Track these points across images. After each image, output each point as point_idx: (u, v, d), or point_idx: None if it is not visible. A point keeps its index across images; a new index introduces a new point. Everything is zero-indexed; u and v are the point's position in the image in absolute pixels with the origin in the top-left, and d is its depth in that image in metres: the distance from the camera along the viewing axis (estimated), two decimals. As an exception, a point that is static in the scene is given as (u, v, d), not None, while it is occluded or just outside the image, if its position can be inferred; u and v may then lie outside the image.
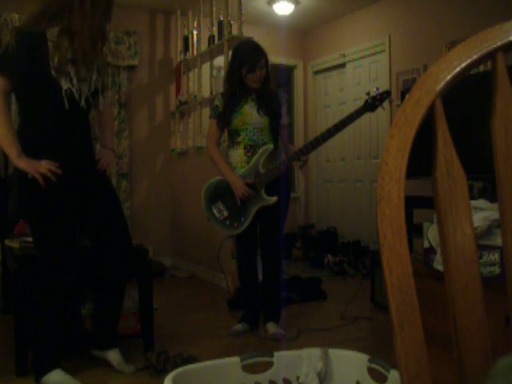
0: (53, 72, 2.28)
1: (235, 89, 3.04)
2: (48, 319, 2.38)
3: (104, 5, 2.34)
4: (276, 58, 6.07)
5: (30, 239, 2.54)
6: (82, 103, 2.39)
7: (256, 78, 2.99)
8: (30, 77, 2.30)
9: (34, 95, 2.34)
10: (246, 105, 3.07)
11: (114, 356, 2.55)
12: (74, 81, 2.33)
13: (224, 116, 3.08)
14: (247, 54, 2.98)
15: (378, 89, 3.02)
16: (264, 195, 3.01)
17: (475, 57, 0.65)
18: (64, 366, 2.41)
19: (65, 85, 2.31)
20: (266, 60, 3.03)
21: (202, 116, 4.83)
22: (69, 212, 2.41)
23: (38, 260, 2.42)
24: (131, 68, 5.42)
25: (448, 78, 0.64)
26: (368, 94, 2.97)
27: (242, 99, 3.07)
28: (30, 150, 2.30)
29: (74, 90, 2.33)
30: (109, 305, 2.57)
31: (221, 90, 3.34)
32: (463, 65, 0.65)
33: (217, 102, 3.15)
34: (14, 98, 2.42)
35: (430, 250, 2.23)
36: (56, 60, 2.27)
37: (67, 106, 2.32)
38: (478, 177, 3.24)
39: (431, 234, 2.22)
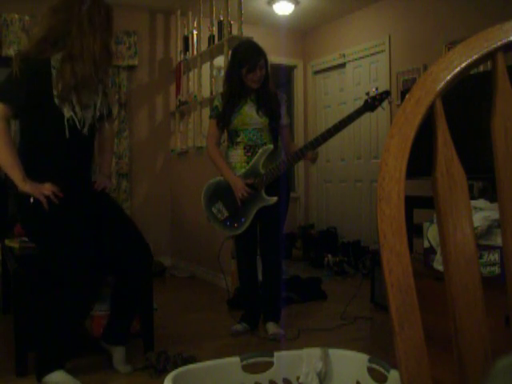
0: (56, 100, 2.28)
1: (235, 89, 3.04)
2: (62, 323, 2.38)
3: (103, 21, 2.32)
4: (276, 58, 6.07)
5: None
6: (85, 131, 2.39)
7: (256, 78, 2.99)
8: (33, 104, 2.29)
9: (36, 122, 2.34)
10: (246, 105, 3.07)
11: (117, 353, 2.56)
12: (77, 109, 2.33)
13: (224, 116, 3.08)
14: (247, 54, 2.98)
15: (377, 89, 3.03)
16: (264, 195, 3.01)
17: (475, 57, 0.65)
18: (67, 367, 2.41)
19: (67, 113, 2.31)
20: (266, 60, 3.03)
21: (202, 116, 4.83)
22: (72, 227, 2.39)
23: (55, 268, 2.42)
24: (131, 68, 5.42)
25: (448, 78, 0.64)
26: (367, 94, 2.98)
27: (241, 100, 3.07)
28: (29, 172, 2.30)
29: (76, 118, 2.33)
30: (127, 304, 2.57)
31: (221, 90, 3.34)
32: (463, 65, 0.65)
33: (216, 103, 3.15)
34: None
35: (430, 250, 2.23)
36: (60, 87, 2.26)
37: (68, 135, 2.32)
38: (478, 177, 3.24)
39: (431, 234, 2.22)
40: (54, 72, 2.27)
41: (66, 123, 2.31)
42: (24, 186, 2.26)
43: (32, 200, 2.28)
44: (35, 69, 2.26)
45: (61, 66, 2.26)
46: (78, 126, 2.35)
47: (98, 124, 2.49)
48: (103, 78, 2.44)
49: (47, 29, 2.30)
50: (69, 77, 2.25)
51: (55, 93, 2.27)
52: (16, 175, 2.26)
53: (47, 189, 2.28)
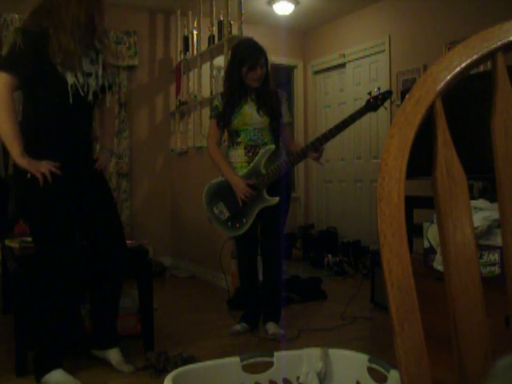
0: (59, 67, 2.30)
1: (234, 88, 3.03)
2: (51, 318, 2.39)
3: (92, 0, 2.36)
4: (276, 58, 6.06)
5: (30, 239, 2.54)
6: (90, 97, 2.41)
7: (256, 77, 2.99)
8: (37, 73, 2.31)
9: (40, 90, 2.35)
10: (246, 105, 3.06)
11: (113, 355, 2.56)
12: (79, 75, 2.35)
13: (224, 116, 3.07)
14: (247, 53, 2.98)
15: (379, 88, 3.02)
16: (266, 196, 3.00)
17: (475, 57, 0.65)
18: (64, 366, 2.41)
19: (70, 79, 2.33)
20: (266, 59, 3.03)
21: (202, 116, 4.83)
22: (67, 211, 2.41)
23: (38, 259, 2.42)
24: (131, 68, 5.41)
25: (448, 77, 0.64)
26: (370, 93, 2.96)
27: (241, 99, 3.06)
28: (30, 146, 2.31)
29: (79, 85, 2.35)
30: (106, 304, 2.58)
31: (221, 89, 3.34)
32: (463, 65, 0.65)
33: (216, 103, 3.15)
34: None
35: (430, 250, 2.23)
36: (58, 56, 2.29)
37: (71, 101, 2.34)
38: (478, 177, 3.24)
39: (431, 234, 2.22)
40: (51, 42, 2.30)
41: (69, 89, 2.33)
42: (22, 160, 2.27)
43: (29, 176, 2.29)
44: (36, 40, 2.29)
45: (53, 36, 2.30)
46: (81, 93, 2.37)
47: (100, 94, 2.49)
48: (102, 49, 2.48)
49: (40, 2, 2.34)
50: (57, 48, 2.28)
51: (55, 61, 2.29)
52: (15, 149, 2.26)
53: (44, 166, 2.29)
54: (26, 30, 2.31)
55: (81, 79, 2.36)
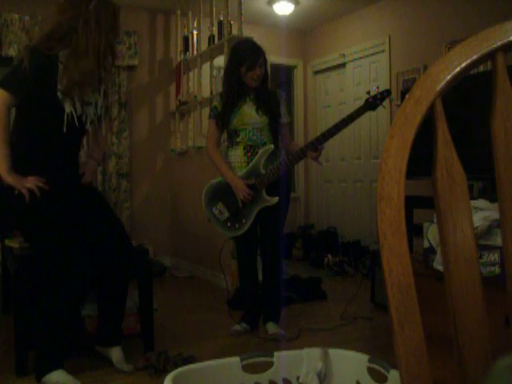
0: (59, 94, 2.31)
1: (233, 88, 3.04)
2: (54, 320, 2.39)
3: (109, 21, 2.37)
4: (276, 57, 6.07)
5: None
6: (88, 126, 2.45)
7: (255, 77, 2.99)
8: (36, 96, 2.32)
9: (36, 113, 2.36)
10: (245, 105, 3.06)
11: (115, 353, 2.56)
12: (77, 105, 2.37)
13: (223, 116, 3.07)
14: (246, 53, 2.98)
15: (378, 87, 3.02)
16: (265, 196, 3.00)
17: (475, 57, 0.65)
18: (65, 366, 2.41)
19: (68, 108, 2.34)
20: (265, 58, 3.03)
21: (202, 116, 4.83)
22: (63, 217, 2.41)
23: (46, 264, 2.43)
24: (131, 68, 5.41)
25: (448, 77, 0.64)
26: (368, 92, 2.96)
27: (240, 99, 3.07)
28: (18, 163, 2.32)
29: (75, 114, 2.37)
30: (111, 303, 2.59)
31: (221, 89, 3.34)
32: (463, 65, 0.65)
33: (215, 103, 3.15)
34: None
35: (430, 250, 2.23)
36: (64, 82, 2.30)
37: (65, 130, 2.36)
38: (478, 177, 3.24)
39: (431, 234, 2.22)
40: (60, 67, 2.32)
41: (65, 117, 2.34)
42: (7, 177, 2.27)
43: (16, 192, 2.29)
44: (43, 63, 2.29)
45: (66, 62, 2.30)
46: (76, 123, 2.38)
47: (98, 125, 2.53)
48: (105, 78, 2.49)
49: (54, 25, 2.34)
50: (73, 72, 2.29)
51: (59, 87, 2.30)
52: (2, 166, 2.27)
53: (30, 181, 2.30)
54: (36, 50, 2.30)
55: (79, 110, 2.37)
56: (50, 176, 2.37)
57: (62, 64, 2.31)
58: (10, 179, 2.28)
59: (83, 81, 2.32)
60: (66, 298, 2.40)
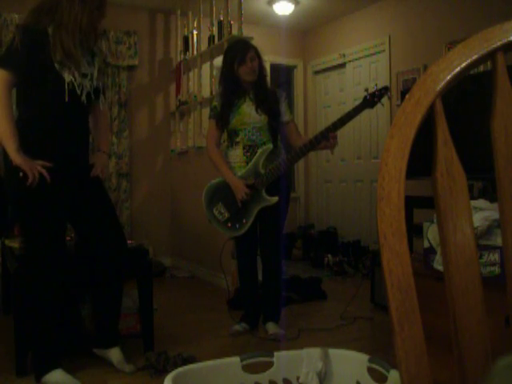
0: (56, 65, 2.31)
1: (230, 87, 3.04)
2: (42, 319, 2.38)
3: (95, 2, 2.37)
4: (276, 57, 6.08)
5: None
6: (83, 98, 2.41)
7: (248, 70, 2.99)
8: (34, 71, 2.32)
9: (37, 88, 2.35)
10: (244, 104, 3.06)
11: (114, 354, 2.56)
12: (76, 74, 2.36)
13: (222, 116, 3.07)
14: (235, 48, 3.04)
15: (376, 85, 3.02)
16: (265, 195, 3.00)
17: (475, 57, 0.65)
18: (64, 366, 2.41)
19: (67, 77, 2.34)
20: (258, 53, 3.04)
21: (202, 116, 4.83)
22: (58, 211, 2.41)
23: (27, 259, 2.42)
24: (131, 68, 5.42)
25: (448, 77, 0.64)
26: (366, 90, 2.97)
27: (239, 99, 3.07)
28: (25, 144, 2.30)
29: (75, 83, 2.36)
30: (107, 304, 2.57)
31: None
32: (463, 65, 0.65)
33: (215, 103, 3.15)
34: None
35: (430, 250, 2.23)
36: (58, 54, 2.30)
37: (67, 99, 2.34)
38: (478, 177, 3.24)
39: (431, 234, 2.22)
40: (51, 41, 2.32)
41: (66, 87, 2.33)
42: (17, 158, 2.25)
43: (21, 174, 2.27)
44: (35, 37, 2.30)
45: (53, 35, 2.31)
46: (78, 91, 2.37)
47: (94, 96, 2.49)
48: (97, 54, 2.50)
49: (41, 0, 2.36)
50: (60, 46, 2.30)
51: (54, 58, 2.30)
52: (11, 145, 2.25)
53: (37, 167, 2.28)
54: (26, 27, 2.32)
55: (78, 78, 2.37)
56: (57, 158, 2.35)
57: (51, 38, 2.32)
58: (19, 160, 2.25)
59: (71, 53, 2.32)
60: (48, 296, 2.37)
